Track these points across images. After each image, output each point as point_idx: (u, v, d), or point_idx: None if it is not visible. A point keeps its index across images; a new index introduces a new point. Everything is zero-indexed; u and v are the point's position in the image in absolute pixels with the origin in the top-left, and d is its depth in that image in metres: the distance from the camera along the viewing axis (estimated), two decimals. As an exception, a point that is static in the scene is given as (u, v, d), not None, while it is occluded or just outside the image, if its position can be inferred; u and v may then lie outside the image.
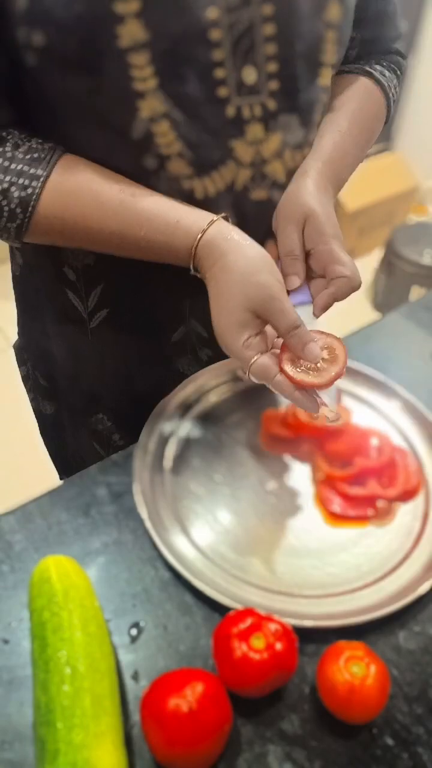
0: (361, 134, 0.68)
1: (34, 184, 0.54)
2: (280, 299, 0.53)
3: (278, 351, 0.55)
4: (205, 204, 0.58)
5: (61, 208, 0.55)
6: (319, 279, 0.59)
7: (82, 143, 0.56)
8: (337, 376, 0.54)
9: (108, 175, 0.56)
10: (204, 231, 0.54)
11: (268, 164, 0.59)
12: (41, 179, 0.54)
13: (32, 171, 0.54)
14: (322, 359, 0.55)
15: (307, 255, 0.59)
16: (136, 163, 0.56)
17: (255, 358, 0.53)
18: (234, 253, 0.54)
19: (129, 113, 0.52)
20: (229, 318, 0.54)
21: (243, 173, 0.58)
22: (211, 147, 0.56)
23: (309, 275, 0.60)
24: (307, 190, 0.59)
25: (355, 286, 0.57)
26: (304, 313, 0.58)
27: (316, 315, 0.58)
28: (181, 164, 0.56)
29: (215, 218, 0.55)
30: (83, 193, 0.55)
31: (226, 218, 0.57)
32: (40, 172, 0.54)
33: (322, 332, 0.57)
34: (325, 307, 0.58)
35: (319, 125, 0.62)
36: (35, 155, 0.54)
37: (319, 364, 0.54)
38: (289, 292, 0.58)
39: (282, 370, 0.53)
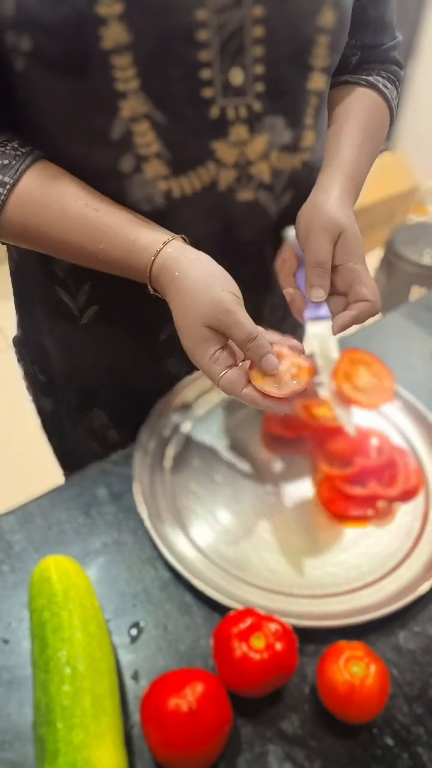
0: (372, 147, 0.68)
1: (0, 191, 0.55)
2: (234, 312, 0.53)
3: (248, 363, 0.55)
4: (183, 203, 0.59)
5: (25, 216, 0.56)
6: (338, 297, 0.60)
7: (61, 143, 0.57)
8: (296, 392, 0.55)
9: (77, 188, 0.57)
10: (157, 253, 0.55)
11: (254, 165, 0.59)
12: (7, 186, 0.55)
13: (0, 178, 0.55)
14: (291, 374, 0.56)
15: (331, 270, 0.59)
16: (113, 164, 0.56)
17: (223, 372, 0.54)
18: (184, 275, 0.54)
19: (109, 114, 0.53)
20: (190, 336, 0.55)
21: (226, 174, 0.58)
22: (190, 147, 0.56)
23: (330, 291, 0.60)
24: (339, 205, 0.59)
25: (375, 312, 0.58)
26: (324, 328, 0.59)
27: (334, 333, 0.59)
28: (158, 165, 0.56)
29: (169, 239, 0.56)
30: (49, 203, 0.56)
31: (184, 239, 0.57)
32: (7, 179, 0.55)
33: (295, 349, 0.57)
34: (344, 328, 0.58)
35: (311, 128, 0.62)
36: (5, 161, 0.55)
37: (286, 377, 0.55)
38: (306, 304, 0.60)
39: (249, 380, 0.54)
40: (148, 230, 0.57)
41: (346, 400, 0.55)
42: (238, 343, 0.54)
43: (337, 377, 0.60)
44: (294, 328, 0.80)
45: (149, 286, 0.58)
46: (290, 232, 0.63)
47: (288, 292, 0.60)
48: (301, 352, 0.57)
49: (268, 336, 0.56)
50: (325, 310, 0.59)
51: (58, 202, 0.56)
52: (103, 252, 0.57)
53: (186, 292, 0.54)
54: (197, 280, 0.54)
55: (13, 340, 0.88)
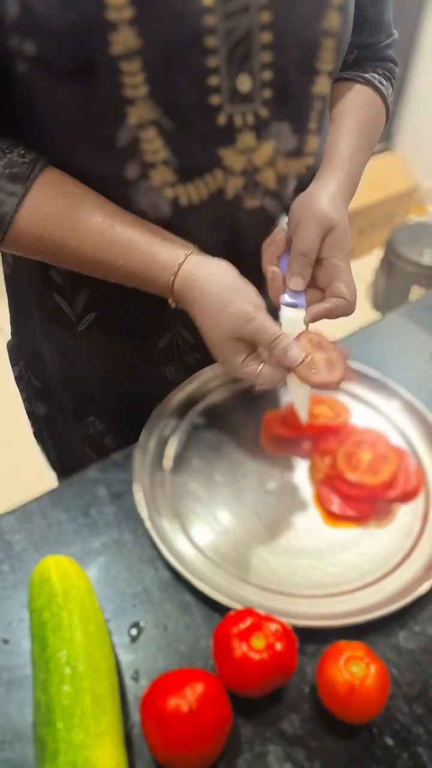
0: (368, 144, 0.69)
1: (11, 201, 0.54)
2: (255, 319, 0.54)
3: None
4: (190, 211, 0.58)
5: (39, 228, 0.55)
6: (315, 290, 0.60)
7: (65, 149, 0.56)
8: (336, 380, 0.58)
9: (91, 200, 0.56)
10: (176, 273, 0.56)
11: (261, 172, 0.59)
12: (19, 197, 0.54)
13: (10, 187, 0.54)
14: (329, 364, 0.58)
15: (315, 261, 0.59)
16: (119, 171, 0.56)
17: (258, 369, 0.56)
18: (204, 294, 0.56)
19: (116, 120, 0.52)
20: (220, 350, 0.57)
21: (234, 182, 0.58)
22: (198, 155, 0.56)
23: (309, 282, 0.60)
24: (334, 200, 0.59)
25: (349, 312, 0.59)
26: (297, 317, 0.59)
27: (306, 323, 0.59)
28: (165, 172, 0.56)
29: (186, 254, 0.56)
30: (62, 216, 0.55)
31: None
32: (18, 189, 0.54)
33: (332, 344, 0.59)
34: (316, 318, 0.59)
35: (315, 133, 0.62)
36: (15, 170, 0.54)
37: (323, 366, 0.58)
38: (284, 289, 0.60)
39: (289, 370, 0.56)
40: (165, 246, 0.57)
41: (306, 381, 0.56)
42: (265, 346, 0.55)
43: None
44: None
45: (171, 300, 0.58)
46: (285, 219, 0.63)
47: (270, 269, 0.60)
48: (325, 345, 0.59)
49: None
50: (301, 300, 0.60)
51: (73, 216, 0.55)
52: (123, 268, 0.57)
53: (209, 310, 0.55)
54: (217, 297, 0.55)
55: (7, 344, 0.88)
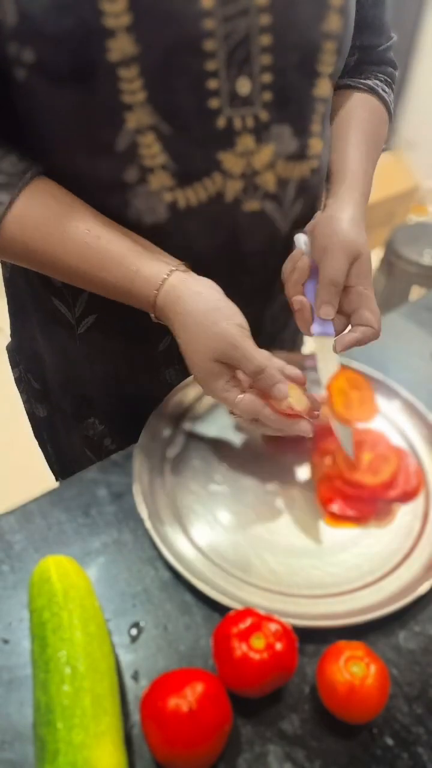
0: (375, 156, 0.69)
1: None
2: (242, 346, 0.54)
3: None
4: (188, 214, 0.58)
5: (25, 237, 0.56)
6: (341, 316, 0.61)
7: (63, 154, 0.56)
8: (316, 409, 0.60)
9: (78, 211, 0.56)
10: (159, 287, 0.56)
11: (260, 175, 0.59)
12: (5, 206, 0.54)
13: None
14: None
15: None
16: (117, 175, 0.55)
17: (239, 398, 0.56)
18: (187, 312, 0.55)
19: (115, 125, 0.52)
20: (200, 369, 0.56)
21: (233, 185, 0.58)
22: (197, 159, 0.56)
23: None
24: (356, 224, 0.60)
25: (376, 338, 0.60)
26: (327, 345, 0.61)
27: (337, 351, 0.60)
28: (164, 176, 0.55)
29: (171, 270, 0.56)
30: (49, 226, 0.55)
31: (187, 265, 0.58)
32: (5, 198, 0.54)
33: (297, 380, 0.60)
34: (346, 348, 0.60)
35: (317, 135, 0.61)
36: (3, 180, 0.54)
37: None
38: (314, 317, 0.61)
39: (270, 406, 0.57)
40: (150, 260, 0.57)
41: (345, 420, 0.58)
42: (248, 375, 0.55)
43: (334, 395, 0.62)
44: (294, 337, 0.80)
45: (153, 316, 0.58)
46: (301, 239, 0.62)
47: (298, 300, 0.61)
48: (303, 382, 0.60)
49: (276, 362, 0.57)
50: (330, 327, 0.61)
51: (59, 226, 0.55)
52: (106, 280, 0.57)
53: (191, 328, 0.55)
54: (201, 315, 0.55)
55: (6, 347, 0.88)
